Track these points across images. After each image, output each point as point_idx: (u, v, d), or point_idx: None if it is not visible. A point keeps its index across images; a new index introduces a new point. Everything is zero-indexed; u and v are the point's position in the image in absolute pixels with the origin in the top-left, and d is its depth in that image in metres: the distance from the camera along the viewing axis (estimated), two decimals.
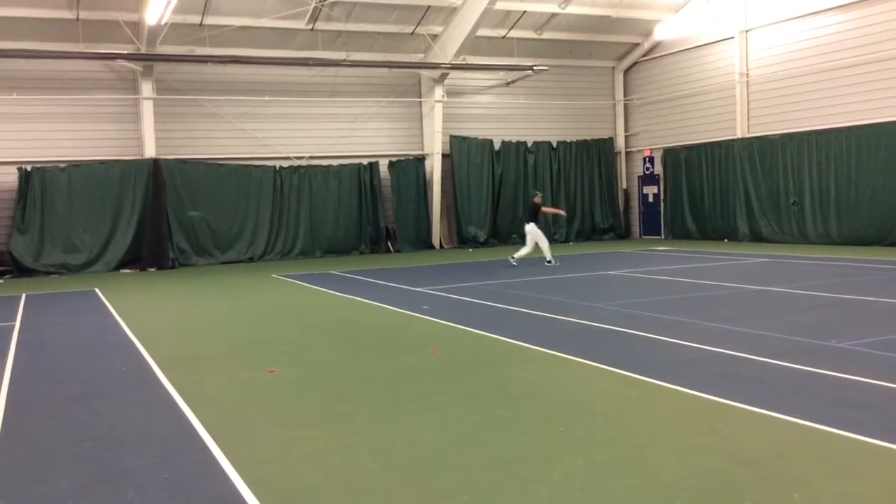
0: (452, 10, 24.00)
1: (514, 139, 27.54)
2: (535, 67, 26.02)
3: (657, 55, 27.98)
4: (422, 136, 26.63)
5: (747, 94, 24.54)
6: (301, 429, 6.00)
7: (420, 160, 26.23)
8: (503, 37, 25.88)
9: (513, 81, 27.56)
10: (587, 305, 11.73)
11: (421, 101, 26.44)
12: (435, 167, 25.99)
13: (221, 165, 23.60)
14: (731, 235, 24.93)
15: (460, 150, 26.45)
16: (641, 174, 29.18)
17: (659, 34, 26.81)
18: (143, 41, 21.53)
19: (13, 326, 11.83)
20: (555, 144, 28.24)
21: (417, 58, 25.61)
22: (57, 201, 21.59)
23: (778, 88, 23.45)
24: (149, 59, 22.06)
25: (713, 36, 25.48)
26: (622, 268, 17.40)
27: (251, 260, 23.63)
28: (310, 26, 23.40)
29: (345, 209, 25.07)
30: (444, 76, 25.51)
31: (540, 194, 19.99)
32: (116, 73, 22.65)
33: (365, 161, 25.42)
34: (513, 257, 18.71)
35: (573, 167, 28.54)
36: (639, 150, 29.24)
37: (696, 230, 26.39)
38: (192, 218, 22.97)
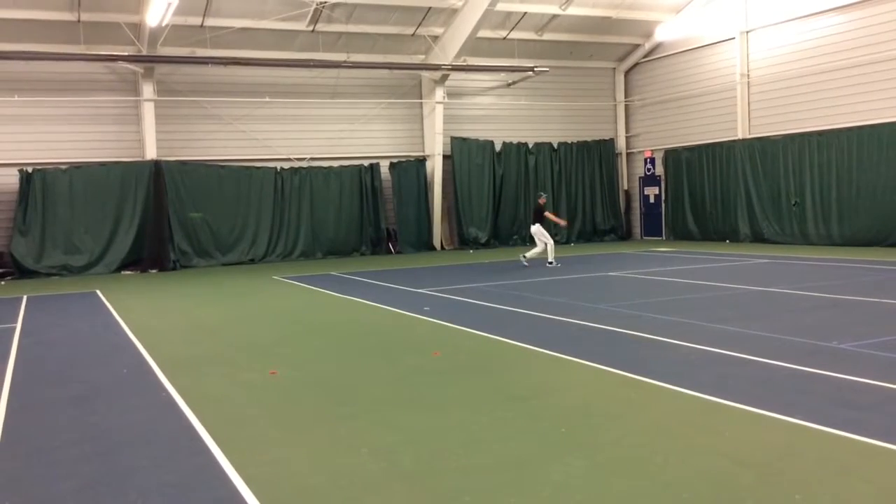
0: (453, 12, 24.00)
1: (514, 140, 27.54)
2: (535, 68, 26.02)
3: (658, 56, 27.98)
4: (423, 137, 26.63)
5: (748, 94, 24.54)
6: (302, 431, 6.00)
7: (421, 161, 26.23)
8: (504, 38, 25.89)
9: (514, 83, 27.56)
10: (589, 307, 11.73)
11: (422, 103, 26.45)
12: (436, 168, 25.99)
13: (222, 167, 23.61)
14: (733, 236, 24.92)
15: (461, 152, 26.45)
16: (642, 175, 29.17)
17: (660, 35, 26.79)
18: (144, 43, 21.55)
19: (14, 328, 11.83)
20: (556, 145, 28.24)
21: (418, 59, 25.62)
22: (58, 203, 21.60)
23: (779, 89, 23.44)
24: (150, 60, 22.07)
25: (714, 37, 25.48)
26: (623, 269, 17.39)
27: (252, 261, 23.64)
28: (310, 28, 23.41)
29: (346, 210, 25.07)
30: (444, 77, 25.51)
31: (545, 195, 20.06)
32: (117, 75, 22.66)
33: (366, 162, 25.42)
34: (524, 256, 18.88)
35: (574, 168, 28.54)
36: (640, 151, 29.24)
37: (698, 231, 26.38)
38: (193, 219, 22.98)
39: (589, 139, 28.82)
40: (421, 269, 19.52)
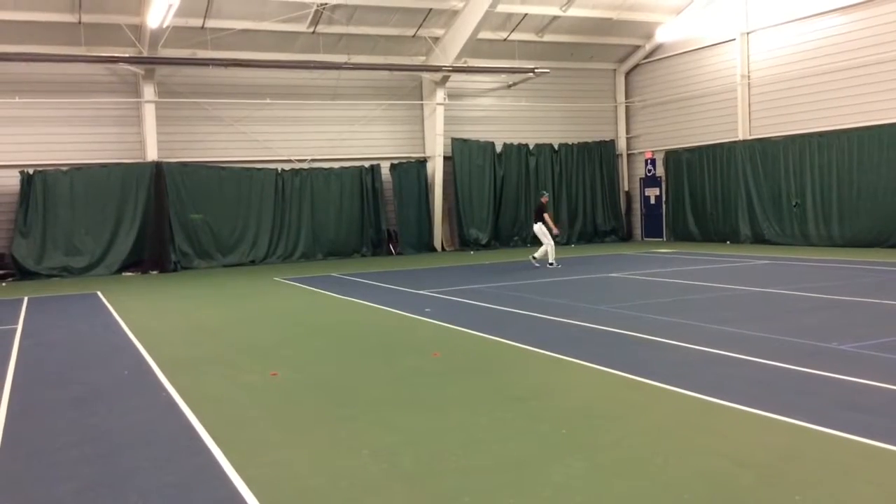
0: (454, 13, 24.02)
1: (515, 141, 27.55)
2: (536, 70, 26.02)
3: (659, 57, 27.99)
4: (423, 138, 26.64)
5: (749, 96, 24.54)
6: (303, 432, 6.00)
7: (422, 163, 26.24)
8: (504, 39, 25.90)
9: (514, 84, 27.57)
10: (589, 308, 11.72)
11: (422, 104, 26.46)
12: (436, 170, 26.00)
13: (223, 168, 23.62)
14: (733, 237, 24.91)
15: (462, 153, 26.46)
16: (643, 176, 29.17)
17: (660, 36, 26.80)
18: (145, 44, 21.56)
19: (15, 330, 11.84)
20: (556, 147, 28.25)
21: (419, 60, 25.63)
22: (59, 204, 21.61)
23: (779, 90, 23.44)
24: (151, 62, 22.08)
25: (715, 38, 25.48)
26: (624, 270, 17.39)
27: (253, 263, 23.64)
28: (311, 29, 23.43)
29: (346, 212, 25.08)
30: (445, 79, 25.52)
31: (547, 194, 20.08)
32: (118, 77, 22.68)
33: (366, 164, 25.43)
34: (533, 257, 18.89)
35: (575, 169, 28.55)
36: (640, 153, 29.23)
37: (698, 232, 26.38)
38: (193, 221, 22.99)
39: (590, 140, 28.83)
40: (421, 271, 19.52)
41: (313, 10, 22.42)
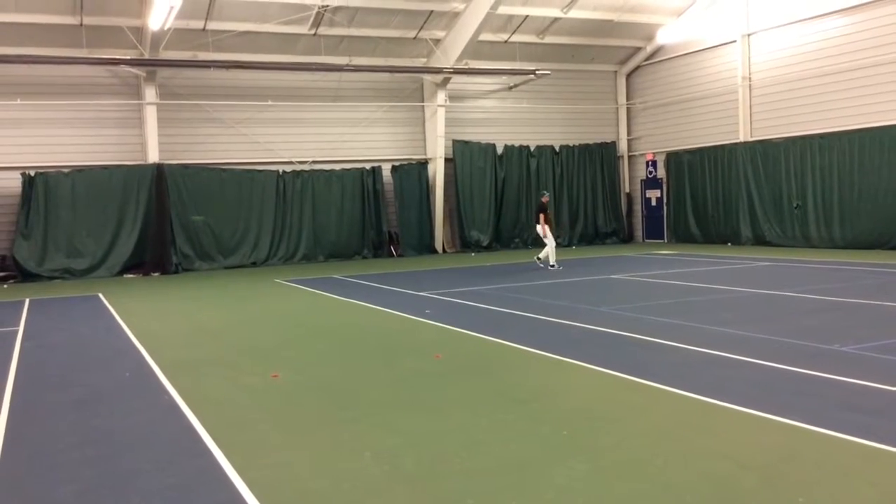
0: (455, 15, 24.03)
1: (516, 143, 27.55)
2: (537, 71, 26.02)
3: (660, 59, 27.99)
4: (424, 140, 26.64)
5: (750, 97, 24.53)
6: (305, 434, 6.00)
7: (423, 164, 26.24)
8: (505, 41, 25.91)
9: (515, 86, 27.58)
10: (590, 309, 11.72)
11: (423, 106, 26.47)
12: (438, 171, 26.00)
13: (224, 170, 23.63)
14: (734, 239, 24.90)
15: (463, 155, 26.46)
16: (644, 178, 29.16)
17: (661, 38, 26.83)
18: (147, 46, 21.58)
19: (16, 331, 11.84)
20: (557, 148, 28.25)
21: (420, 62, 25.65)
22: (60, 206, 21.62)
23: (780, 92, 23.43)
24: (152, 64, 22.10)
25: (716, 40, 25.47)
26: (625, 272, 17.38)
27: (254, 265, 23.64)
28: (312, 31, 23.44)
29: (347, 214, 25.09)
30: (446, 80, 25.53)
31: (547, 194, 20.09)
32: (120, 79, 22.69)
33: (368, 165, 25.44)
34: (538, 258, 18.88)
35: (576, 171, 28.54)
36: (641, 154, 29.23)
37: (699, 234, 26.37)
38: (195, 223, 22.99)
39: (591, 142, 28.82)
40: (422, 272, 19.52)
41: (315, 11, 22.44)
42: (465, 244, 26.50)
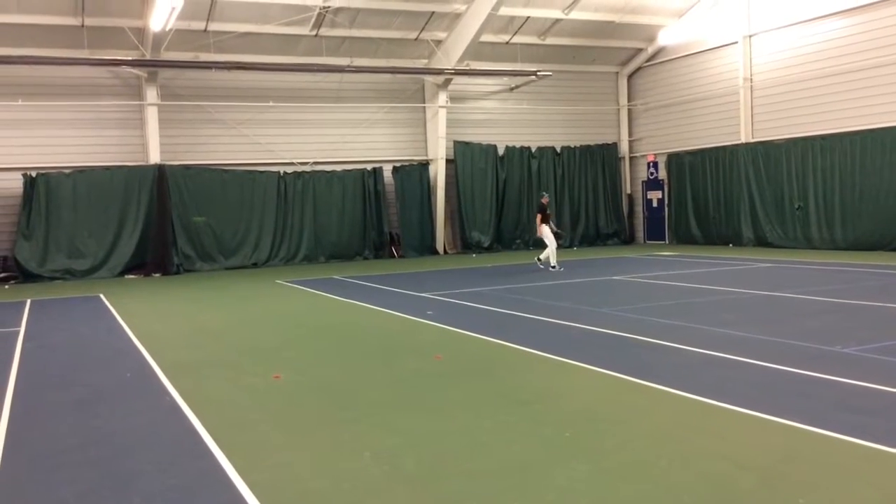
0: (456, 16, 24.04)
1: (517, 144, 27.55)
2: (538, 73, 26.03)
3: (661, 60, 27.99)
4: (426, 141, 26.65)
5: (751, 98, 24.53)
6: (306, 435, 6.00)
7: (424, 165, 26.25)
8: (507, 42, 25.91)
9: (516, 87, 27.59)
10: (592, 311, 11.72)
11: (425, 107, 26.48)
12: (439, 172, 26.01)
13: (226, 171, 23.64)
14: (736, 240, 24.89)
15: (464, 156, 26.46)
16: (645, 179, 29.15)
17: (663, 39, 26.84)
18: (148, 47, 21.60)
19: (18, 332, 11.85)
20: (559, 150, 28.25)
21: (421, 63, 25.66)
22: (62, 207, 21.64)
23: (782, 93, 23.43)
24: (153, 65, 22.12)
25: (717, 41, 25.47)
26: (627, 273, 17.38)
27: (255, 265, 23.65)
28: (314, 32, 23.46)
29: (349, 215, 25.09)
30: (447, 82, 25.54)
31: (547, 195, 20.09)
32: (121, 80, 22.71)
33: (369, 166, 25.44)
34: (539, 259, 18.84)
35: (577, 172, 28.54)
36: (643, 156, 29.22)
37: (701, 235, 26.36)
38: (196, 223, 23.01)
39: (592, 143, 28.82)
40: (424, 273, 19.52)
41: (316, 13, 22.45)
42: (467, 245, 26.50)
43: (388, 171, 25.70)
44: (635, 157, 29.60)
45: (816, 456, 5.05)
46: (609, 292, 14.45)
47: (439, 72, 24.88)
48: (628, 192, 29.74)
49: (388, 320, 11.84)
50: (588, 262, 21.16)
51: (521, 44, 26.20)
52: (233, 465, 5.23)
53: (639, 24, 26.35)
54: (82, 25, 21.01)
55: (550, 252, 18.55)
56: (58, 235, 21.58)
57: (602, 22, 25.82)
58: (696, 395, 6.55)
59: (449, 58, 24.58)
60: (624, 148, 29.62)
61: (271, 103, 24.17)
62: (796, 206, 23.09)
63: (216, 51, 22.66)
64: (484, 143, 26.96)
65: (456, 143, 26.30)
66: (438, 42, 24.99)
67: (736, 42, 24.68)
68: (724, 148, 25.31)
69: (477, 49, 24.49)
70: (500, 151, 27.20)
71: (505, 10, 23.28)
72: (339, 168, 25.13)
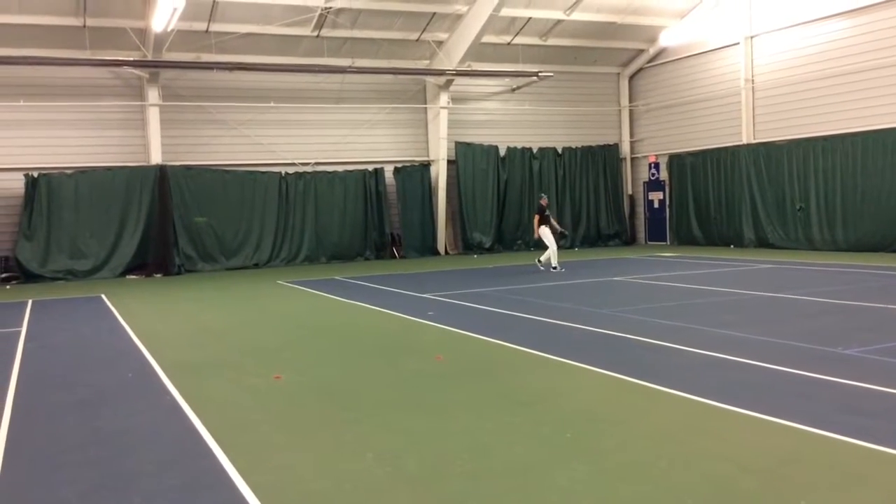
0: (457, 17, 24.04)
1: (519, 145, 27.55)
2: (540, 74, 26.04)
3: (662, 61, 27.98)
4: (427, 142, 26.65)
5: (753, 100, 24.52)
6: (307, 435, 6.00)
7: (425, 166, 26.26)
8: (508, 43, 25.92)
9: (518, 88, 27.59)
10: (593, 311, 11.71)
11: (426, 108, 26.49)
12: (440, 173, 26.01)
13: (227, 172, 23.65)
14: (737, 241, 24.87)
15: (465, 157, 26.47)
16: (647, 180, 29.14)
17: (664, 40, 26.83)
18: (150, 48, 21.62)
19: (19, 332, 11.86)
20: (560, 150, 28.25)
21: (423, 64, 25.66)
22: (63, 207, 21.66)
23: (783, 94, 23.42)
24: (155, 65, 22.14)
25: (719, 42, 25.47)
26: (628, 274, 17.37)
27: (256, 266, 23.66)
28: (315, 33, 23.47)
29: (350, 215, 25.10)
30: (449, 82, 25.54)
31: (545, 196, 20.06)
32: (123, 80, 22.73)
33: (370, 167, 25.45)
34: (539, 261, 18.79)
35: (578, 173, 28.54)
36: (644, 156, 29.22)
37: (702, 236, 26.35)
38: (197, 224, 23.02)
39: (593, 144, 28.82)
40: (425, 274, 19.52)
41: (318, 13, 22.46)
42: (468, 246, 26.50)
43: (389, 171, 25.70)
44: (637, 157, 29.60)
45: (818, 457, 5.05)
46: (610, 293, 14.44)
47: (441, 73, 24.89)
48: (629, 192, 29.73)
49: (389, 321, 11.85)
50: (589, 262, 21.15)
51: (523, 45, 26.20)
52: (234, 465, 5.23)
53: (640, 24, 26.34)
54: (84, 26, 21.03)
55: (551, 253, 18.54)
56: (59, 236, 21.60)
57: (603, 23, 25.82)
58: (698, 396, 6.55)
59: (450, 59, 24.59)
60: (625, 149, 29.61)
61: (273, 104, 24.18)
62: (798, 208, 23.08)
63: (218, 51, 22.68)
64: (485, 143, 26.96)
65: (457, 143, 26.31)
66: (440, 43, 25.00)
67: (737, 43, 24.67)
68: (725, 149, 25.30)
69: (478, 50, 24.49)
70: (502, 152, 27.21)
71: (506, 11, 23.27)
72: (340, 169, 25.14)
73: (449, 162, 26.16)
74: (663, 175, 28.21)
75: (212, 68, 22.66)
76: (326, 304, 14.31)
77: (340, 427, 6.17)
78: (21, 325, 12.62)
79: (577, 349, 8.81)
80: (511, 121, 27.81)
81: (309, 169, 24.82)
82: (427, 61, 25.68)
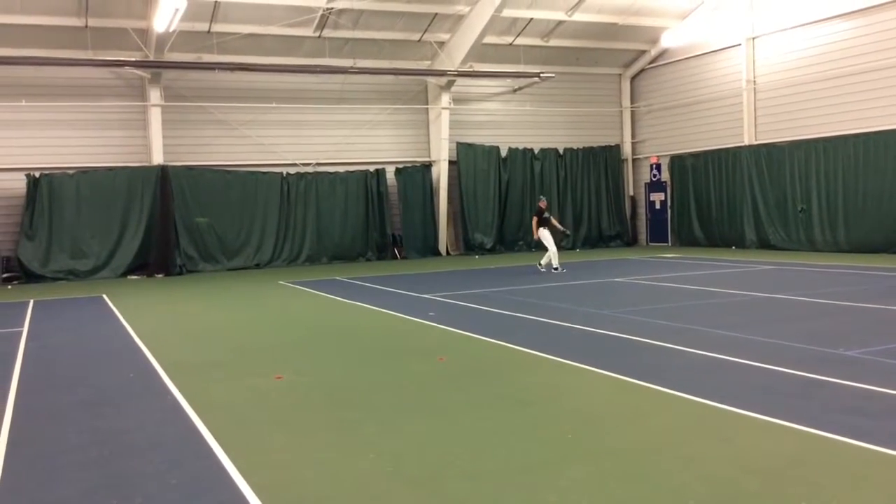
0: (459, 18, 24.05)
1: (520, 146, 27.54)
2: (541, 74, 26.04)
3: (664, 62, 27.98)
4: (428, 142, 26.66)
5: (754, 101, 24.51)
6: (309, 436, 6.00)
7: (427, 167, 26.26)
8: (510, 44, 25.92)
9: (519, 88, 27.59)
10: (594, 312, 11.71)
11: (428, 108, 26.49)
12: (441, 174, 26.02)
13: (228, 172, 23.66)
14: (739, 242, 24.86)
15: (467, 157, 26.47)
16: (648, 181, 29.14)
17: (666, 41, 26.83)
18: (152, 48, 21.63)
19: (21, 332, 11.86)
20: (561, 151, 28.24)
21: (424, 65, 25.66)
22: (65, 207, 21.68)
23: (785, 95, 23.41)
24: (157, 66, 22.15)
25: (720, 43, 25.46)
26: (629, 275, 17.37)
27: (258, 266, 23.67)
28: (317, 34, 23.48)
29: (351, 216, 25.11)
30: (450, 83, 25.55)
31: (544, 198, 20.03)
32: (124, 81, 22.74)
33: (372, 168, 25.46)
34: (540, 264, 18.72)
35: (580, 174, 28.53)
36: (646, 157, 29.21)
37: (704, 237, 26.33)
38: (199, 224, 23.03)
39: (595, 145, 28.82)
40: (426, 275, 19.52)
41: (319, 14, 22.48)
42: (469, 247, 26.50)
43: (390, 172, 25.71)
44: (638, 158, 29.59)
45: (821, 459, 5.04)
46: (611, 294, 14.43)
47: (442, 73, 24.90)
48: (631, 193, 29.73)
49: (390, 321, 11.85)
50: (590, 263, 21.15)
51: (525, 45, 26.20)
52: (235, 465, 5.23)
53: (642, 26, 26.34)
54: (86, 26, 21.06)
55: (551, 254, 18.50)
56: (61, 236, 21.62)
57: (605, 24, 25.82)
58: (699, 397, 6.54)
59: (452, 59, 24.60)
60: (627, 150, 29.61)
61: (274, 104, 24.19)
62: (799, 209, 23.07)
63: (219, 52, 22.70)
64: (487, 144, 26.96)
65: (459, 144, 26.31)
66: (441, 44, 25.00)
67: (739, 44, 24.67)
68: (727, 150, 25.29)
69: (480, 51, 24.49)
70: (503, 153, 27.21)
71: (508, 12, 23.29)
72: (341, 169, 25.15)
73: (450, 162, 26.17)
74: (665, 176, 28.20)
75: (213, 69, 22.68)
76: (328, 305, 14.31)
77: (342, 427, 6.17)
78: (23, 326, 12.62)
79: (578, 350, 8.80)
80: (512, 121, 27.82)
81: (310, 169, 24.83)
82: (429, 62, 25.69)
